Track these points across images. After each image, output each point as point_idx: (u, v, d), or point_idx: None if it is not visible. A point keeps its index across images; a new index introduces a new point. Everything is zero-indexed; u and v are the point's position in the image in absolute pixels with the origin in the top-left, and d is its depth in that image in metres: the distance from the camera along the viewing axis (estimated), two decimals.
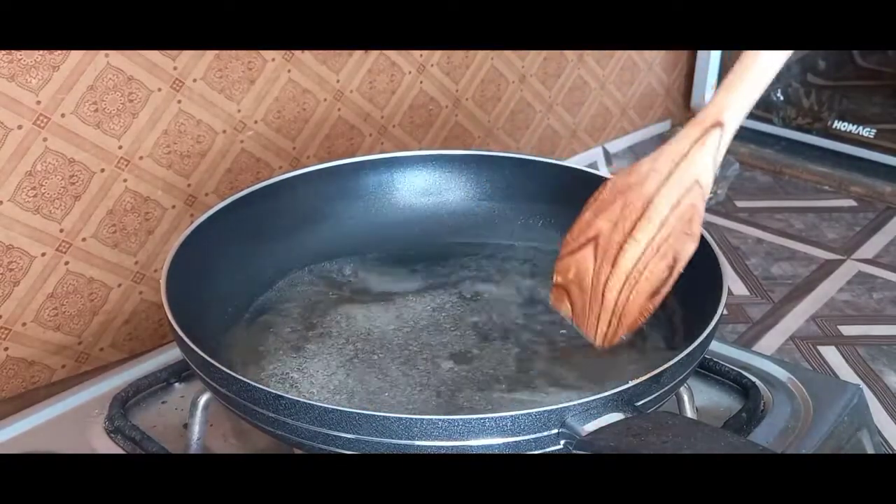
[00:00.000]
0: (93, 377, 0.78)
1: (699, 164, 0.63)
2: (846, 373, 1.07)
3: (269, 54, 0.98)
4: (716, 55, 1.57)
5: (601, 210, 0.67)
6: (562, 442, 0.56)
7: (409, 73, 1.14)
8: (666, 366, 0.59)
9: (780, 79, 1.71)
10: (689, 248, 0.64)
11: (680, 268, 0.64)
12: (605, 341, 0.67)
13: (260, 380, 0.68)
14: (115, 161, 0.89)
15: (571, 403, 0.56)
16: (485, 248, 0.84)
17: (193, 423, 0.66)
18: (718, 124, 0.63)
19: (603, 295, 0.66)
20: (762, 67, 0.63)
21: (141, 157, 0.91)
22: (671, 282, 0.65)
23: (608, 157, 1.50)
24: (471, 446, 0.55)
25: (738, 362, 0.79)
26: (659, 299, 0.65)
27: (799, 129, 1.58)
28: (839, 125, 1.54)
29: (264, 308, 0.76)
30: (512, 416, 0.55)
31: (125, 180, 0.90)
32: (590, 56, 1.40)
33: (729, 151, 1.63)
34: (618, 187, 0.67)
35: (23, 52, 0.80)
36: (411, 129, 1.17)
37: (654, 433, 0.53)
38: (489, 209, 0.86)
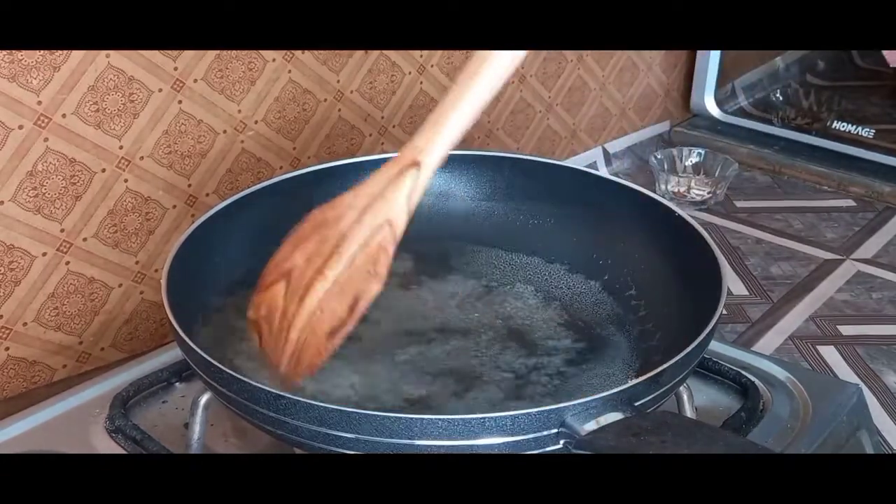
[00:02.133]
0: (94, 377, 0.78)
1: (392, 203, 0.61)
2: (845, 372, 1.08)
3: (269, 54, 0.99)
4: (716, 55, 1.57)
5: (298, 244, 0.64)
6: (561, 441, 0.56)
7: (410, 73, 1.14)
8: (665, 366, 0.59)
9: (780, 79, 1.71)
10: (373, 289, 0.61)
11: (362, 307, 0.62)
12: (286, 382, 0.63)
13: (260, 379, 0.68)
14: (115, 161, 0.89)
15: (571, 403, 0.56)
16: (484, 248, 0.84)
17: (194, 422, 0.66)
18: (416, 164, 0.61)
19: (287, 333, 0.63)
20: (462, 110, 0.62)
21: (142, 158, 0.91)
22: (352, 322, 0.62)
23: (608, 158, 1.50)
24: (471, 446, 0.55)
25: (738, 362, 0.79)
26: (339, 339, 0.62)
27: (798, 129, 1.58)
28: (838, 125, 1.54)
29: None
30: (512, 415, 0.55)
31: (126, 180, 0.90)
32: (590, 56, 1.40)
33: (728, 152, 1.63)
34: (317, 220, 0.64)
35: (24, 52, 0.80)
36: (411, 130, 1.17)
37: (653, 433, 0.53)
38: (489, 209, 0.86)
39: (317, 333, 0.62)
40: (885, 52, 1.03)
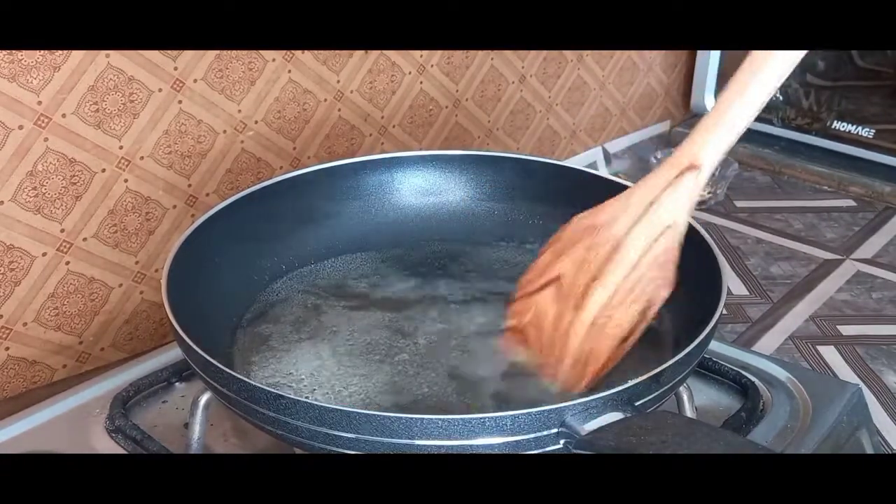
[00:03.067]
0: (94, 377, 0.78)
1: (673, 206, 0.61)
2: (845, 372, 1.08)
3: (269, 54, 0.99)
4: (716, 55, 1.57)
5: (563, 251, 0.64)
6: (561, 441, 0.56)
7: (409, 73, 1.14)
8: (665, 365, 0.59)
9: None
10: (663, 294, 0.62)
11: (653, 313, 0.62)
12: (569, 388, 0.64)
13: (260, 379, 0.68)
14: (115, 161, 0.89)
15: (571, 403, 0.56)
16: (485, 248, 0.84)
17: (194, 422, 0.66)
18: (694, 167, 0.61)
19: (566, 339, 0.63)
20: (740, 110, 0.60)
21: (142, 158, 0.91)
22: (643, 327, 0.62)
23: (608, 158, 1.50)
24: (471, 446, 0.55)
25: (738, 362, 0.79)
26: (629, 345, 0.62)
27: (798, 129, 1.58)
28: (838, 125, 1.54)
29: (265, 308, 0.76)
30: (512, 415, 0.55)
31: (126, 180, 0.90)
32: (590, 56, 1.40)
33: (728, 151, 1.63)
34: (583, 227, 0.64)
35: (24, 52, 0.80)
36: (411, 130, 1.17)
37: (653, 433, 0.53)
38: (489, 209, 0.86)
39: (606, 340, 0.61)
40: None
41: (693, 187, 0.61)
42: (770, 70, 0.61)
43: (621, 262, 0.61)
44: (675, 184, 0.61)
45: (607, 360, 0.63)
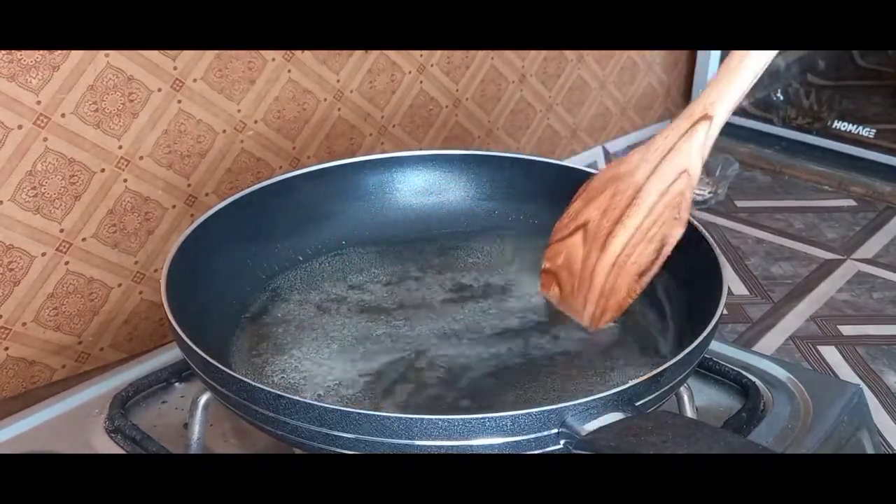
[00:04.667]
0: (93, 377, 0.78)
1: (687, 154, 0.65)
2: (846, 372, 1.07)
3: (269, 54, 0.98)
4: (716, 55, 1.57)
5: (591, 198, 0.69)
6: (562, 442, 0.56)
7: (409, 73, 1.14)
8: (666, 366, 0.59)
9: (780, 79, 1.71)
10: (677, 233, 0.66)
11: (667, 251, 0.66)
12: (594, 322, 0.69)
13: (260, 379, 0.68)
14: (115, 161, 0.89)
15: (571, 403, 0.56)
16: (484, 248, 0.84)
17: (193, 422, 0.66)
18: (707, 117, 0.65)
19: (591, 278, 0.68)
20: (750, 64, 0.64)
21: (141, 157, 0.91)
22: (659, 263, 0.66)
23: (608, 157, 1.50)
24: (471, 446, 0.55)
25: (738, 362, 0.79)
26: (646, 280, 0.67)
27: (799, 129, 1.58)
28: (839, 125, 1.54)
29: (264, 308, 0.76)
30: (512, 415, 0.55)
31: (125, 180, 0.90)
32: (590, 56, 1.40)
33: (729, 151, 1.63)
34: (608, 177, 0.69)
35: (23, 51, 0.80)
36: (411, 129, 1.17)
37: (653, 433, 0.53)
38: (489, 209, 0.86)
39: (626, 275, 0.67)
40: None
41: (706, 136, 0.65)
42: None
43: (641, 205, 0.66)
44: (690, 133, 0.65)
45: (627, 294, 0.67)
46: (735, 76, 0.65)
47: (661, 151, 0.66)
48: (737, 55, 0.65)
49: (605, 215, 0.68)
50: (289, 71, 1.01)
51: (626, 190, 0.67)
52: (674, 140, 0.66)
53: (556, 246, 0.71)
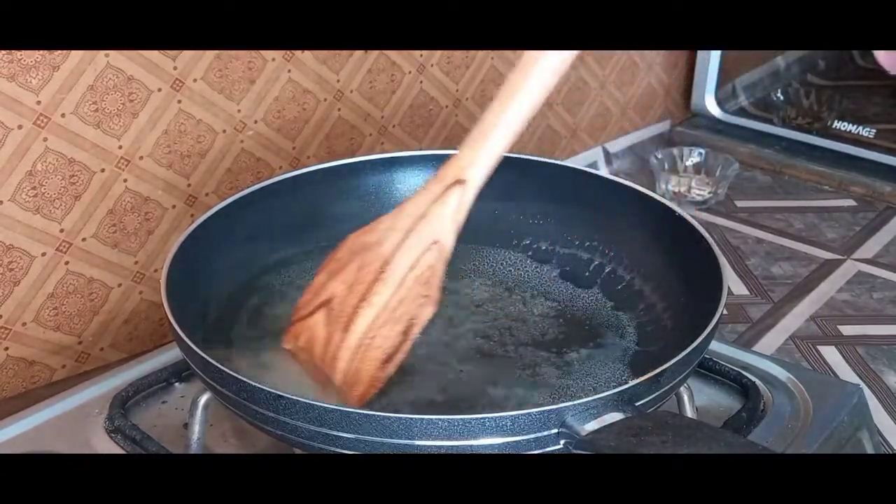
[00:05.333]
0: (93, 377, 0.78)
1: (438, 222, 0.61)
2: (846, 372, 1.07)
3: (269, 54, 0.98)
4: (716, 55, 1.57)
5: (336, 272, 0.63)
6: (562, 442, 0.56)
7: (409, 73, 1.14)
8: (666, 366, 0.59)
9: (780, 79, 1.71)
10: (427, 312, 0.61)
11: (416, 332, 0.61)
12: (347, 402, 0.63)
13: (260, 379, 0.68)
14: (115, 161, 0.89)
15: (571, 403, 0.56)
16: (484, 248, 0.84)
17: (193, 422, 0.66)
18: (460, 182, 0.61)
19: (334, 364, 0.62)
20: (506, 125, 0.60)
21: (141, 157, 0.91)
22: (406, 347, 0.61)
23: (608, 157, 1.50)
24: (471, 446, 0.55)
25: (738, 362, 0.79)
26: (392, 367, 0.61)
27: (799, 129, 1.58)
28: (839, 125, 1.54)
29: (265, 307, 0.76)
30: (512, 415, 0.55)
31: (125, 180, 0.90)
32: (590, 56, 1.40)
33: (729, 151, 1.63)
34: (355, 247, 0.63)
35: (23, 52, 0.80)
36: (411, 129, 1.17)
37: (654, 433, 0.53)
38: (489, 209, 0.85)
39: (369, 361, 0.61)
40: (880, 59, 1.03)
41: (459, 203, 0.61)
42: (536, 80, 0.61)
43: (389, 280, 0.60)
44: (443, 198, 0.61)
45: (371, 383, 0.61)
46: (489, 137, 0.60)
47: (412, 219, 0.61)
48: (492, 113, 0.61)
49: (352, 291, 0.61)
50: (289, 71, 1.01)
51: (373, 262, 0.61)
52: (425, 206, 0.61)
53: (298, 325, 0.64)
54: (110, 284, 0.92)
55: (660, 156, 1.44)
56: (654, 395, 0.59)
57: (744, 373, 0.77)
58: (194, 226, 0.73)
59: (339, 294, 0.62)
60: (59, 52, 0.82)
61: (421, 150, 1.04)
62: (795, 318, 1.18)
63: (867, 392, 0.95)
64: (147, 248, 0.94)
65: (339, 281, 0.62)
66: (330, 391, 0.62)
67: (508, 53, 1.26)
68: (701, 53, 1.58)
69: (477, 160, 0.61)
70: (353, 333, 0.60)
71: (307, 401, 0.56)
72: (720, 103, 1.60)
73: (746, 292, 1.23)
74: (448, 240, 0.61)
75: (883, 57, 0.79)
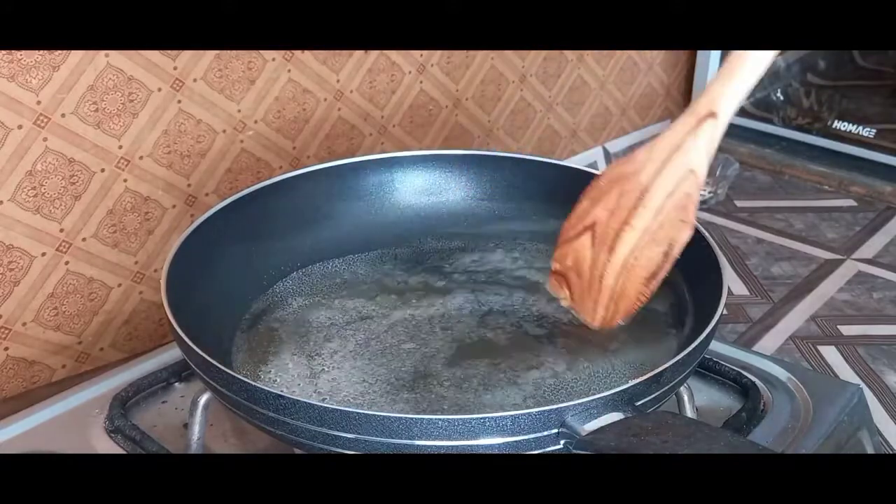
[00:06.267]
0: (93, 377, 0.78)
1: (693, 153, 0.64)
2: (846, 372, 1.07)
3: (269, 54, 0.98)
4: (716, 55, 1.57)
5: (598, 199, 0.68)
6: (562, 442, 0.56)
7: (409, 73, 1.14)
8: (666, 365, 0.59)
9: (780, 79, 1.71)
10: (685, 235, 0.65)
11: (676, 253, 0.65)
12: (604, 325, 0.69)
13: (260, 379, 0.68)
14: (115, 161, 0.89)
15: (571, 403, 0.56)
16: (485, 248, 0.84)
17: (193, 422, 0.66)
18: (712, 115, 0.64)
19: (601, 281, 0.68)
20: (754, 60, 0.64)
21: (141, 157, 0.91)
22: (667, 266, 0.66)
23: (608, 157, 1.50)
24: (471, 446, 0.55)
25: (738, 362, 0.79)
26: (655, 283, 0.66)
27: (799, 129, 1.58)
28: (839, 125, 1.54)
29: (264, 308, 0.76)
30: (512, 415, 0.55)
31: (125, 180, 0.90)
32: (590, 56, 1.40)
33: (729, 151, 1.63)
34: (614, 176, 0.68)
35: (23, 52, 0.80)
36: (411, 129, 1.17)
37: (654, 433, 0.53)
38: (489, 209, 0.86)
39: (634, 279, 0.66)
40: None
41: (711, 134, 0.64)
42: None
43: (648, 206, 0.65)
44: (696, 131, 0.64)
45: (636, 298, 0.67)
46: (739, 72, 0.64)
47: (667, 150, 0.65)
48: (737, 52, 0.64)
49: (613, 216, 0.67)
50: (289, 71, 1.01)
51: (633, 190, 0.66)
52: (679, 138, 0.65)
53: (565, 247, 0.70)
54: (110, 284, 0.92)
55: None
56: (654, 395, 0.59)
57: (744, 373, 0.77)
58: (194, 226, 0.73)
59: (602, 219, 0.67)
60: (59, 52, 0.82)
61: (421, 150, 1.04)
62: (795, 318, 1.18)
63: (867, 392, 0.95)
64: (147, 248, 0.94)
65: (602, 207, 0.67)
66: (590, 310, 0.69)
67: (509, 53, 1.26)
68: (701, 53, 1.58)
69: (728, 92, 0.63)
70: (619, 254, 0.66)
71: (307, 401, 0.56)
72: None
73: (746, 292, 1.23)
74: (702, 169, 0.64)
75: None
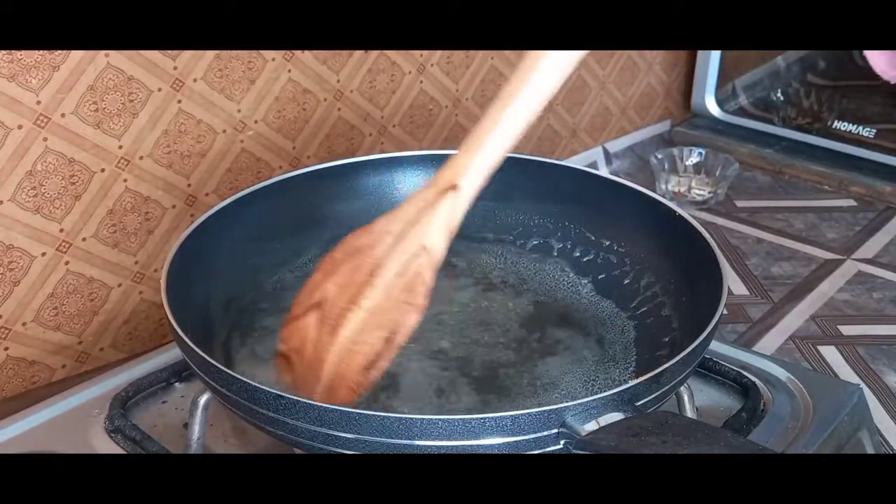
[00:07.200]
0: (93, 377, 0.78)
1: (429, 228, 0.59)
2: (846, 372, 1.07)
3: (269, 54, 0.98)
4: (716, 55, 1.57)
5: (331, 272, 0.62)
6: (562, 442, 0.56)
7: (409, 73, 1.14)
8: (666, 365, 0.59)
9: (780, 79, 1.71)
10: (411, 320, 0.59)
11: (399, 340, 0.59)
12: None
13: (260, 379, 0.68)
14: (115, 161, 0.89)
15: (571, 403, 0.56)
16: (484, 248, 0.84)
17: (193, 422, 0.66)
18: (454, 187, 0.59)
19: (320, 367, 0.61)
20: (504, 130, 0.60)
21: (141, 157, 0.91)
22: (389, 355, 0.60)
23: (608, 157, 1.50)
24: (471, 446, 0.55)
25: (738, 362, 0.79)
26: (376, 373, 0.60)
27: (799, 129, 1.57)
28: (839, 125, 1.54)
29: (264, 308, 0.76)
30: (512, 415, 0.55)
31: (125, 180, 0.90)
32: (590, 56, 1.40)
33: (729, 151, 1.63)
34: (350, 248, 0.62)
35: (23, 52, 0.80)
36: (411, 129, 1.17)
37: (654, 433, 0.53)
38: (489, 209, 0.86)
39: (351, 368, 0.59)
40: (876, 66, 1.03)
41: (452, 208, 0.59)
42: (536, 80, 0.60)
43: (377, 285, 0.59)
44: (435, 204, 0.59)
45: (350, 391, 0.60)
46: (486, 142, 0.60)
47: (403, 223, 0.60)
48: (490, 118, 0.60)
49: (342, 292, 0.60)
50: (289, 71, 1.01)
51: (365, 265, 0.60)
52: (416, 211, 0.60)
53: (291, 326, 0.62)
54: (110, 284, 0.92)
55: (660, 156, 1.44)
56: (654, 395, 0.59)
57: (744, 373, 0.77)
58: (194, 226, 0.73)
59: (331, 295, 0.61)
60: (59, 52, 0.82)
61: (421, 150, 1.04)
62: (795, 318, 1.18)
63: (867, 392, 0.95)
64: (147, 248, 0.94)
65: (333, 282, 0.61)
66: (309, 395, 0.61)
67: (508, 53, 1.26)
68: (701, 53, 1.58)
69: (472, 166, 0.59)
70: (341, 337, 0.59)
71: (307, 401, 0.56)
72: (720, 103, 1.60)
73: (746, 292, 1.23)
74: (438, 247, 0.59)
75: (878, 62, 0.78)
